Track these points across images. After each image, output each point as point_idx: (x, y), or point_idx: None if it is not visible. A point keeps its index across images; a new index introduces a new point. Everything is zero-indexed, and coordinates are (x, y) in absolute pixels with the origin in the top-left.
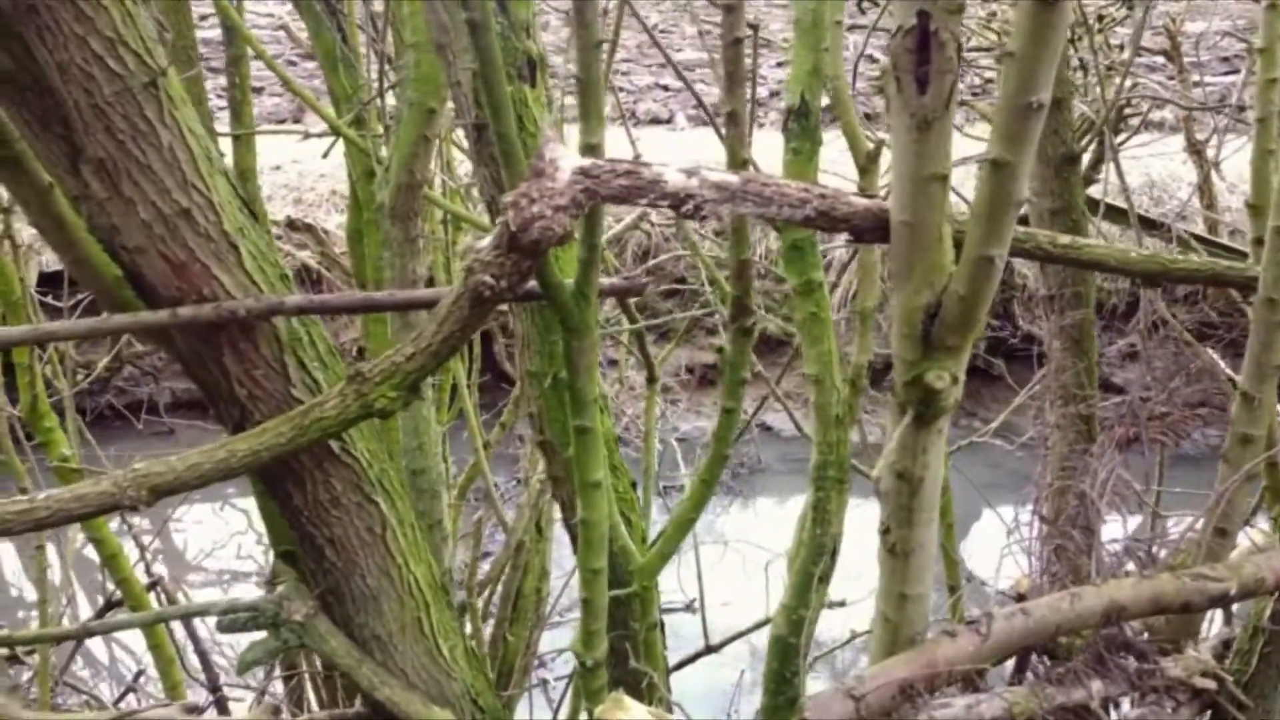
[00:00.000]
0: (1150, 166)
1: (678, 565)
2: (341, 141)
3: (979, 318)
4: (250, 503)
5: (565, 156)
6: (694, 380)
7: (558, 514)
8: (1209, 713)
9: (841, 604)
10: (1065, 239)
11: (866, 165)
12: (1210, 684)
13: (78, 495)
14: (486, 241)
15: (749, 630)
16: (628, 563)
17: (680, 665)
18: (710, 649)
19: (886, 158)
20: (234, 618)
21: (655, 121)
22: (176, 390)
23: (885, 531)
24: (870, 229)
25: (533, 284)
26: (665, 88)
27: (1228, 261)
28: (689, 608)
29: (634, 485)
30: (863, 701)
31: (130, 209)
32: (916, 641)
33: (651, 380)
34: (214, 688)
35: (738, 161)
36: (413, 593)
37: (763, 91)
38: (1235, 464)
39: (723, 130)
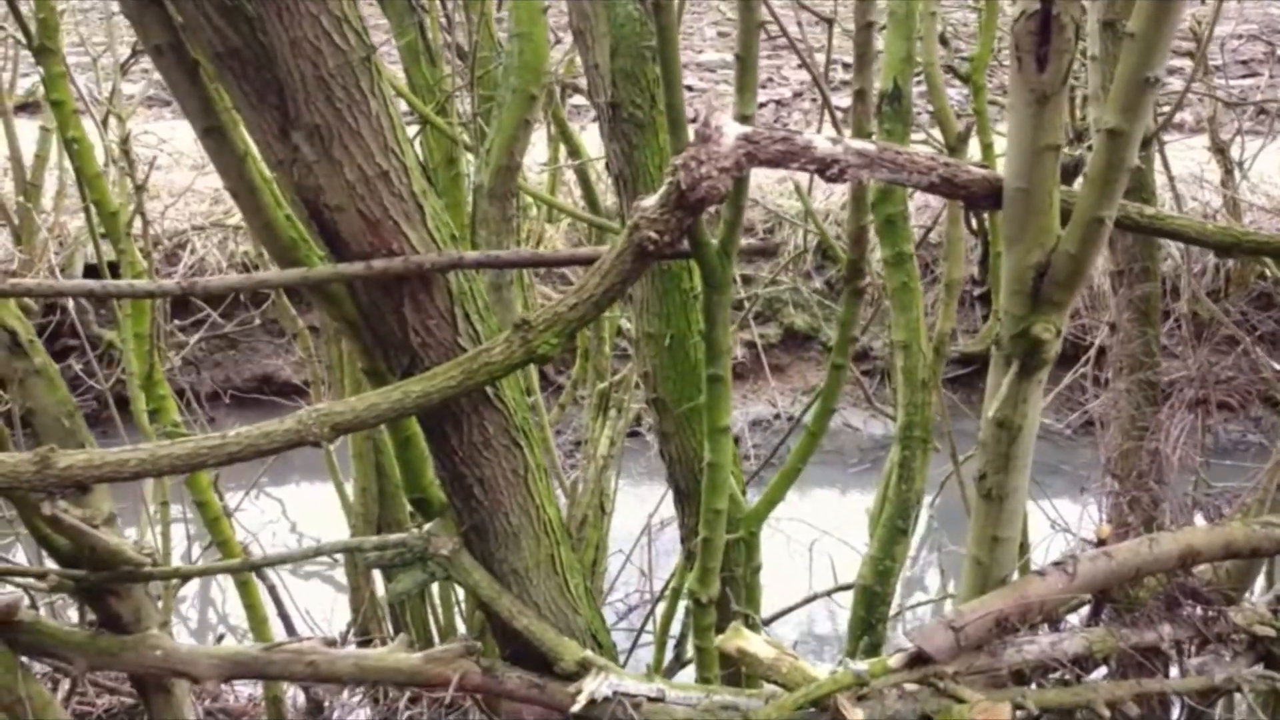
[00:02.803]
0: (1173, 166)
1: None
2: (419, 130)
3: (1086, 274)
4: (285, 491)
5: (729, 125)
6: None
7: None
8: (1262, 663)
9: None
10: (1150, 210)
11: (956, 145)
12: (1270, 631)
13: (265, 432)
14: (652, 201)
15: (794, 608)
16: (736, 510)
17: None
18: (764, 622)
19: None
20: (384, 554)
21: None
22: (216, 379)
23: (982, 477)
24: (985, 196)
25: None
26: (689, 88)
27: None
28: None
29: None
30: (962, 632)
31: (337, 170)
32: (1006, 582)
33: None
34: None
35: (864, 133)
36: (548, 531)
37: (785, 92)
38: None
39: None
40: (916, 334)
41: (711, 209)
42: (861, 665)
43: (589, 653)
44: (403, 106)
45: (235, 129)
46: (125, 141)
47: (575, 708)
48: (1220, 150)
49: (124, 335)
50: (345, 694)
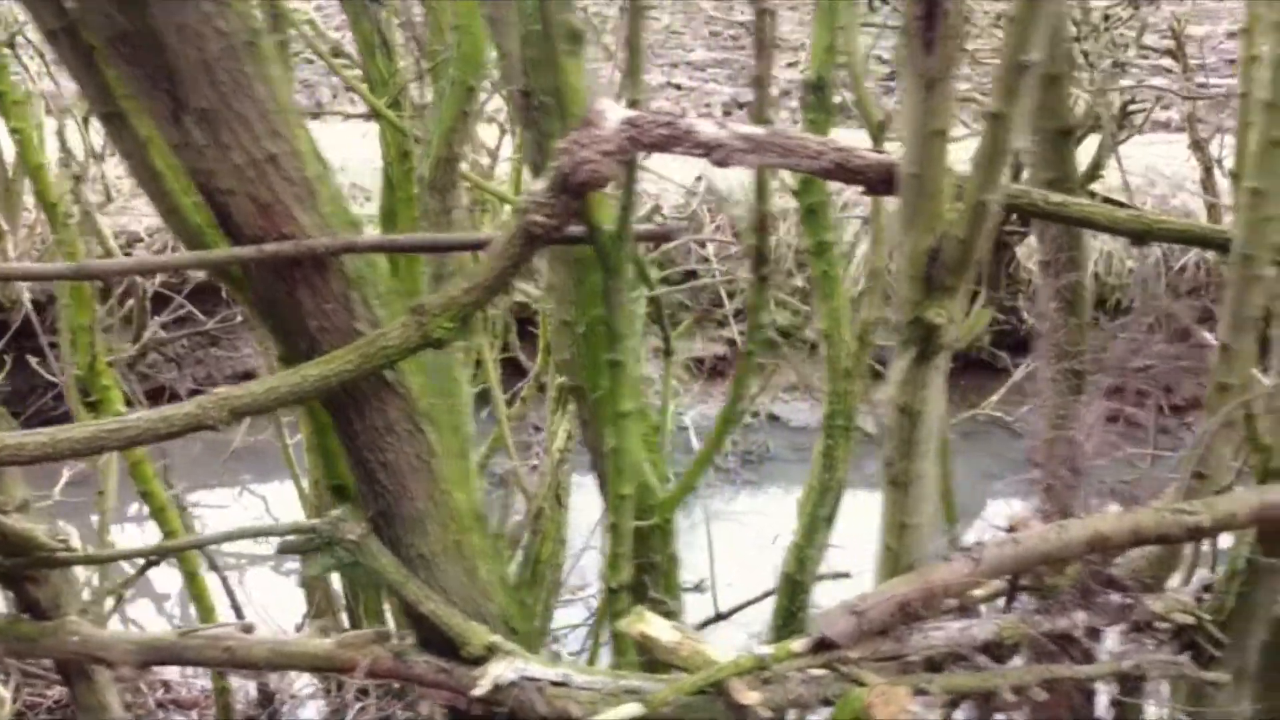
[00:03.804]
0: (1156, 165)
1: (691, 549)
2: (376, 126)
3: (974, 259)
4: (269, 488)
5: (612, 109)
6: (704, 370)
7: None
8: (1189, 652)
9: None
10: (1057, 197)
11: (876, 133)
12: (1189, 619)
13: (164, 416)
14: (539, 184)
15: (757, 600)
16: (650, 498)
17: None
18: (720, 616)
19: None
20: (294, 539)
21: None
22: (198, 376)
23: (889, 464)
24: (881, 181)
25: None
26: (678, 86)
27: (1206, 224)
28: (698, 588)
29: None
30: (864, 617)
31: (225, 154)
32: (915, 568)
33: (668, 353)
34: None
35: (763, 120)
36: (455, 517)
37: (773, 91)
38: (1213, 411)
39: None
40: (839, 323)
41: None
42: (765, 649)
43: (496, 638)
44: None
45: (138, 115)
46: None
47: (478, 692)
48: (1199, 147)
49: (62, 327)
50: (295, 685)
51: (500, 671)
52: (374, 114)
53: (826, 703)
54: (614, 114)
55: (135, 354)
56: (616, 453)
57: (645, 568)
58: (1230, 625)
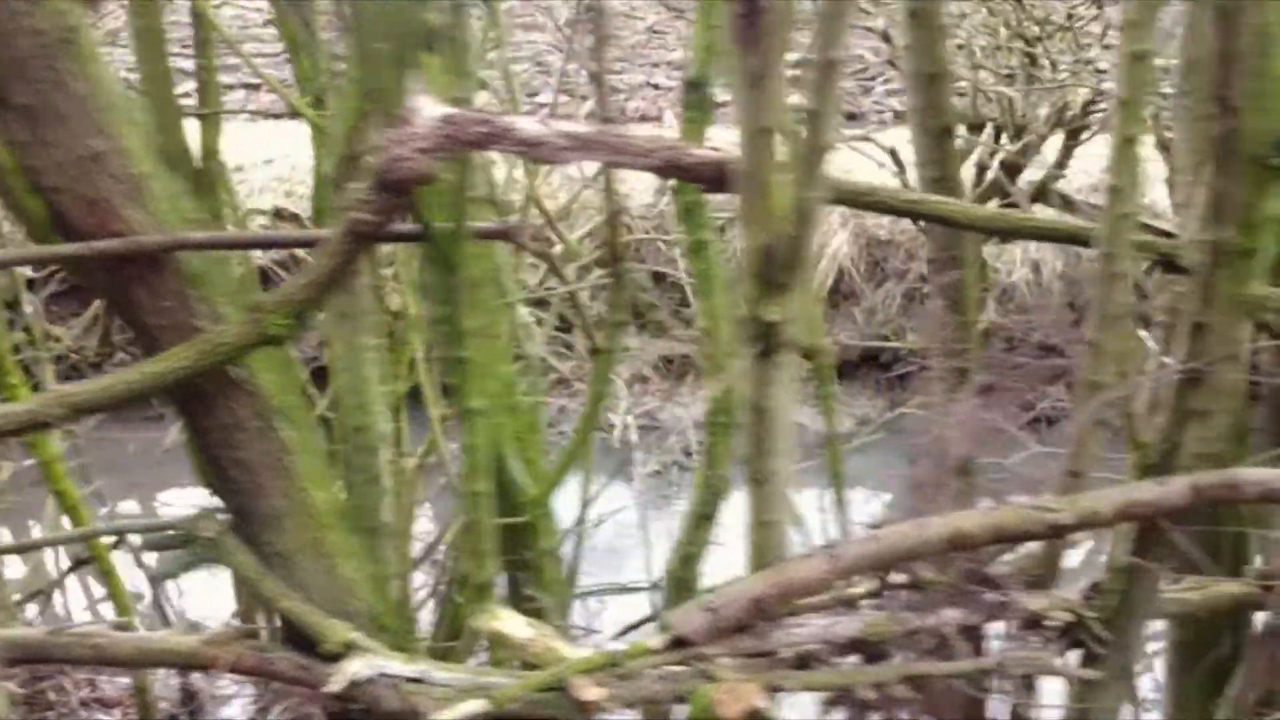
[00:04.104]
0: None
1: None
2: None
3: (805, 258)
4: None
5: (429, 107)
6: (673, 370)
7: None
8: (1082, 650)
9: None
10: (911, 195)
11: None
12: (1068, 617)
13: (2, 413)
14: (361, 182)
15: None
16: (519, 495)
17: (628, 630)
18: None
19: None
20: (155, 536)
21: (644, 119)
22: None
23: (746, 462)
24: (715, 179)
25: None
26: (656, 86)
27: (1073, 222)
28: (654, 587)
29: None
30: (718, 613)
31: (49, 151)
32: (775, 564)
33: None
34: None
35: (603, 118)
36: (313, 515)
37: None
38: (1083, 408)
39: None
40: (718, 321)
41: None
42: (618, 646)
43: (355, 635)
44: None
45: None
46: None
47: (331, 688)
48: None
49: None
50: (217, 684)
51: (356, 668)
52: (294, 111)
53: (681, 699)
54: (429, 111)
55: (98, 356)
56: (467, 450)
57: (518, 565)
58: (1113, 624)
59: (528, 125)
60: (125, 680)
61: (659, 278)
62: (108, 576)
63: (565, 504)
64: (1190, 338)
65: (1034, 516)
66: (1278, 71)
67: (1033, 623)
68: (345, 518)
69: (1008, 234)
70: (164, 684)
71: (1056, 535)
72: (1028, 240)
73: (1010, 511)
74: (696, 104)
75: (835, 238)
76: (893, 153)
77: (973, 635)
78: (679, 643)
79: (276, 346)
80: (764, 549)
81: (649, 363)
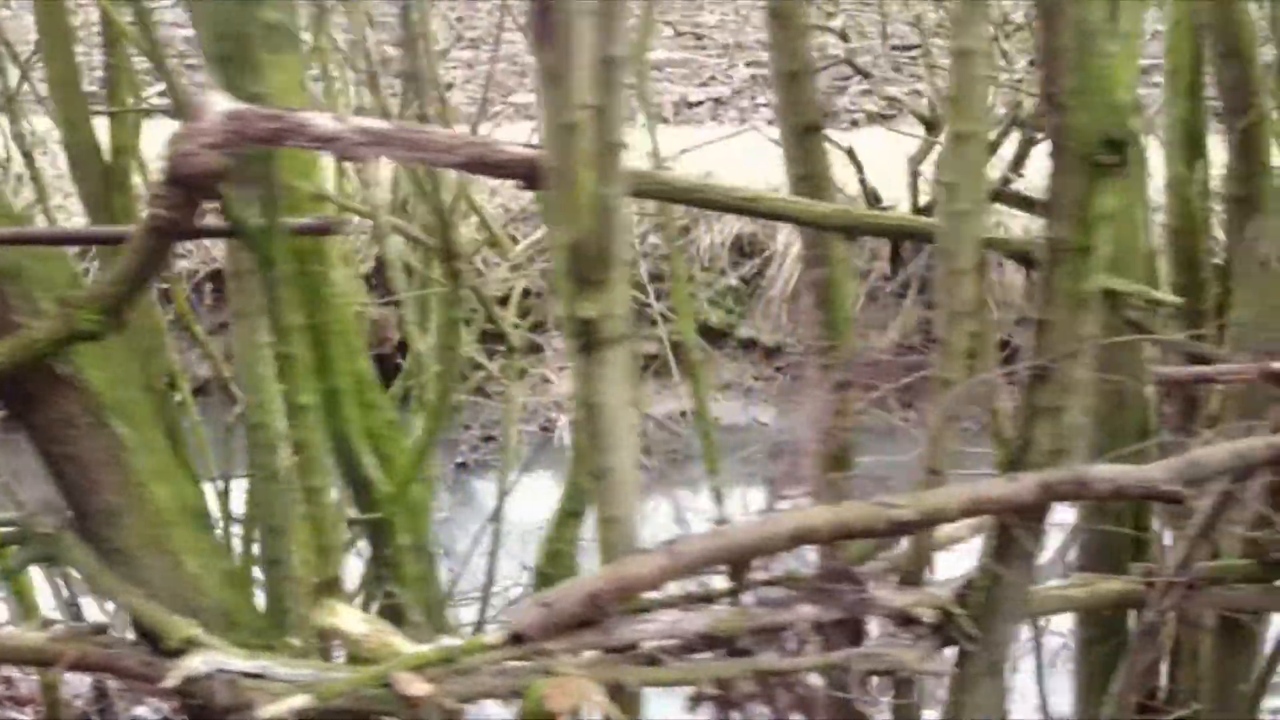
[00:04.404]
0: None
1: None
2: None
3: (614, 253)
4: None
5: (218, 103)
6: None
7: None
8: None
9: None
10: (746, 191)
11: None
12: (927, 614)
13: None
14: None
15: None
16: (374, 493)
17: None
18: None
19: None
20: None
21: None
22: None
23: (585, 458)
24: (526, 175)
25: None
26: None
27: (917, 218)
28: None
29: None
30: (553, 608)
31: None
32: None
33: (510, 349)
34: None
35: (412, 115)
36: (154, 511)
37: (725, 90)
38: (935, 406)
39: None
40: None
41: None
42: (455, 642)
43: (196, 631)
44: None
45: None
46: None
47: (167, 683)
48: None
49: None
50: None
51: (194, 664)
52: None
53: (518, 694)
54: (218, 107)
55: None
56: (300, 446)
57: (381, 562)
58: (981, 620)
59: (321, 121)
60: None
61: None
62: (8, 574)
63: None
64: (1036, 334)
65: (878, 513)
66: (1101, 68)
67: (907, 620)
68: (193, 514)
69: (854, 231)
70: (81, 681)
71: (901, 532)
72: (871, 236)
73: (855, 508)
74: None
75: (795, 238)
76: (850, 152)
77: (853, 633)
78: (517, 638)
79: (92, 341)
80: (610, 545)
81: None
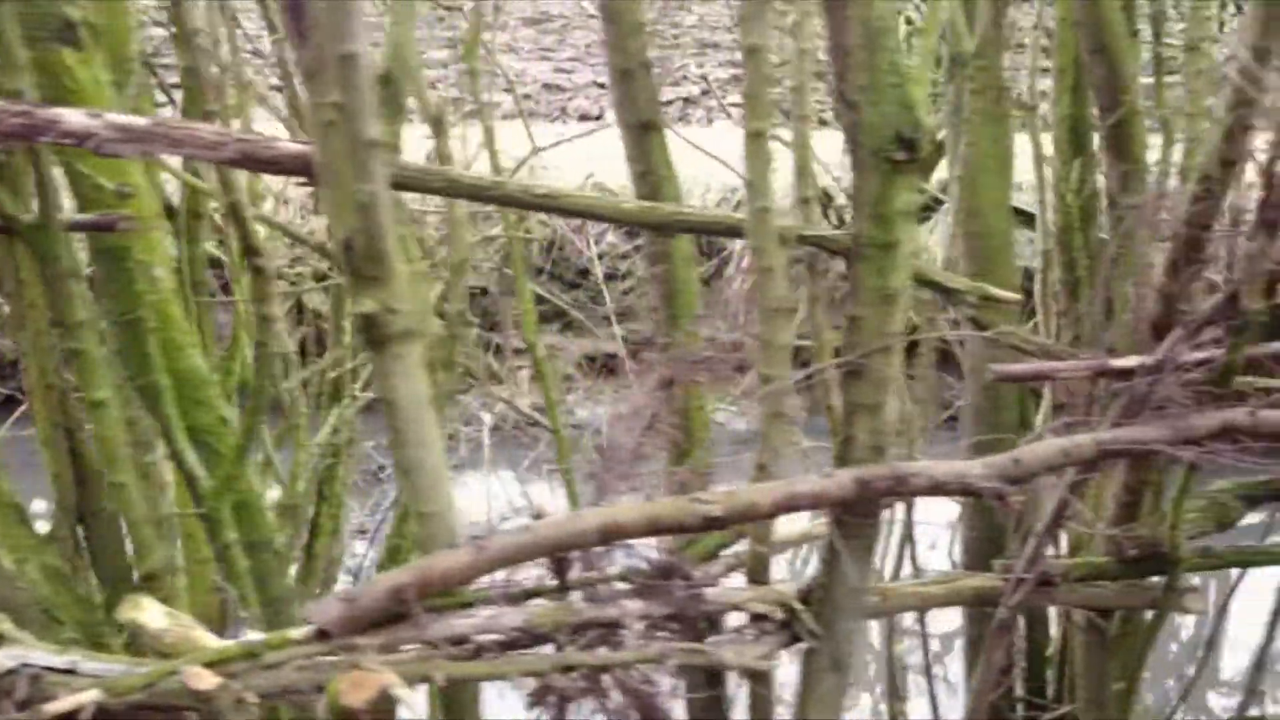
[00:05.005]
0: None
1: None
2: None
3: (385, 249)
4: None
5: None
6: (596, 368)
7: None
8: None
9: None
10: (543, 188)
11: (434, 122)
12: (762, 609)
13: None
14: None
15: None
16: (197, 487)
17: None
18: None
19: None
20: None
21: (584, 118)
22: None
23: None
24: (300, 171)
25: None
26: (601, 85)
27: (730, 215)
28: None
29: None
30: (355, 604)
31: None
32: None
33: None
34: None
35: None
36: None
37: (696, 89)
38: (763, 403)
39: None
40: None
41: None
42: (258, 637)
43: (5, 625)
44: None
45: None
46: None
47: None
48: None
49: None
50: None
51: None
52: None
53: (321, 689)
54: None
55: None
56: (99, 441)
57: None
58: (821, 617)
59: (74, 117)
60: None
61: (583, 274)
62: None
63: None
64: (848, 331)
65: (688, 509)
66: (890, 66)
67: (758, 617)
68: (9, 509)
69: (662, 228)
70: None
71: (712, 527)
72: (685, 233)
73: (665, 504)
74: (385, 101)
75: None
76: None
77: (693, 629)
78: (323, 634)
79: None
80: (426, 540)
81: (571, 361)
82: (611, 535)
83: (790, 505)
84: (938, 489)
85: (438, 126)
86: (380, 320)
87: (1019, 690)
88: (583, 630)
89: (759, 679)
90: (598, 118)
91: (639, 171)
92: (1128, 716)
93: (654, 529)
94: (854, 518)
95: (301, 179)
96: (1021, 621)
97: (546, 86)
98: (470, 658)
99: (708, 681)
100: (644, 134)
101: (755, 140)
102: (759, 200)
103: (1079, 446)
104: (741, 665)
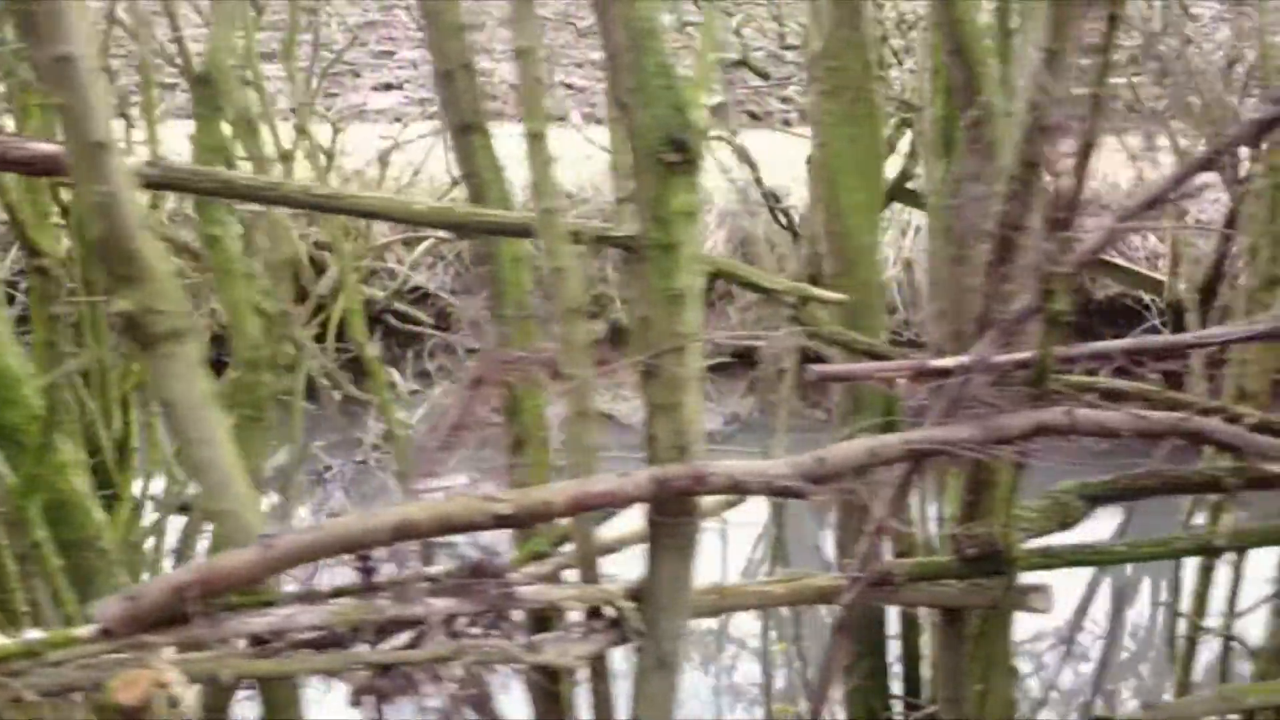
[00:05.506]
0: None
1: None
2: None
3: (135, 249)
4: None
5: None
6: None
7: None
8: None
9: None
10: (323, 189)
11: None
12: (580, 607)
13: None
14: None
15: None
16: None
17: None
18: None
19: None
20: None
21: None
22: None
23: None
24: (51, 170)
25: None
26: (569, 86)
27: (518, 215)
28: None
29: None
30: (138, 602)
31: None
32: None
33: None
34: None
35: None
36: None
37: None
38: (566, 402)
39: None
40: (242, 316)
41: None
42: (38, 635)
43: None
44: None
45: None
46: None
47: None
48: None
49: None
50: None
51: None
52: None
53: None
54: None
55: None
56: None
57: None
58: (646, 615)
59: None
60: None
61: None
62: None
63: None
64: (640, 331)
65: (480, 507)
66: (657, 67)
67: (593, 614)
68: None
69: (458, 229)
70: None
71: (504, 525)
72: (480, 234)
73: (457, 502)
74: (203, 100)
75: (711, 237)
76: (741, 151)
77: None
78: (106, 633)
79: None
80: (223, 538)
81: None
82: (404, 534)
83: (585, 504)
84: (739, 488)
85: (246, 128)
86: (142, 320)
87: (896, 689)
88: (391, 629)
89: (599, 676)
90: (562, 119)
91: (464, 173)
92: (986, 715)
93: (446, 528)
94: (666, 517)
95: (57, 179)
96: (899, 622)
97: (515, 88)
98: (264, 656)
99: (547, 680)
100: (465, 135)
101: (534, 142)
102: (544, 201)
103: (886, 446)
104: (547, 662)
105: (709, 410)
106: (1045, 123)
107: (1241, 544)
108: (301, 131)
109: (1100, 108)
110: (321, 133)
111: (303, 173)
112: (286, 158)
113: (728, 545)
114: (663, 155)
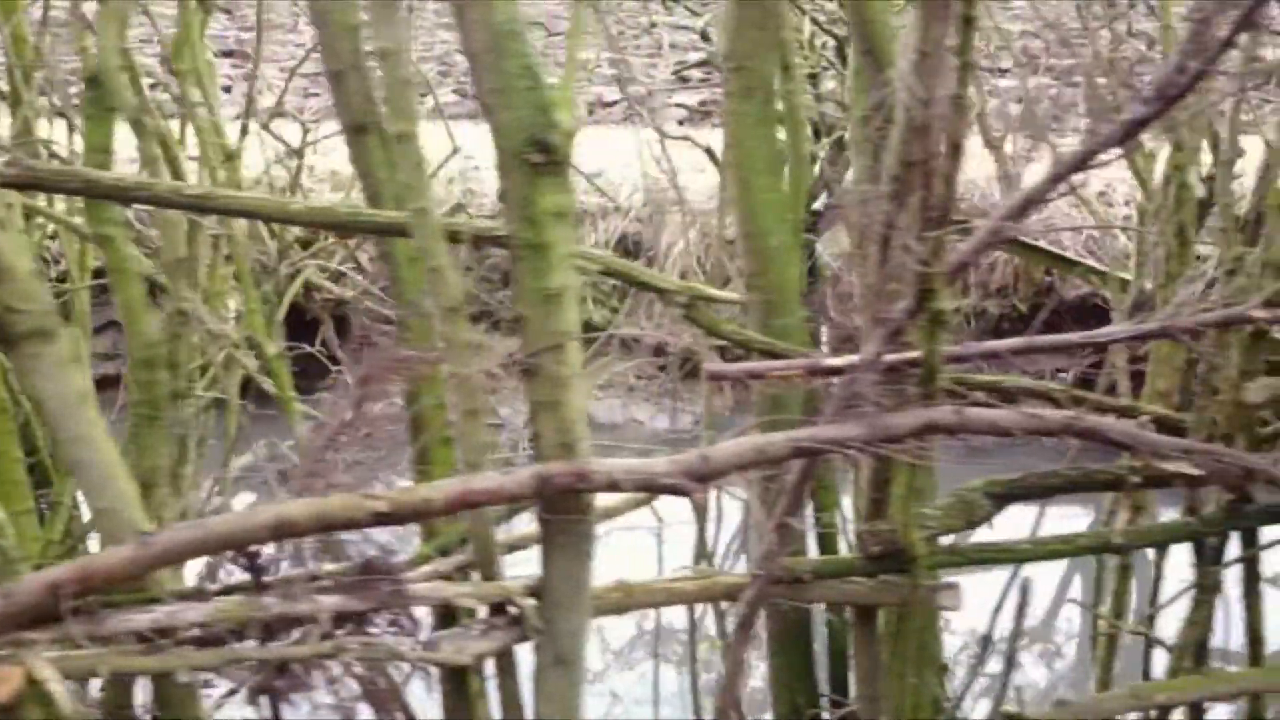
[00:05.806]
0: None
1: None
2: None
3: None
4: None
5: None
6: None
7: None
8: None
9: None
10: (197, 189)
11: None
12: (473, 604)
13: None
14: None
15: None
16: None
17: None
18: None
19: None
20: None
21: None
22: None
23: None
24: None
25: None
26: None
27: (394, 215)
28: None
29: None
30: (11, 599)
31: None
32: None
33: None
34: None
35: None
36: None
37: (642, 90)
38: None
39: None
40: (136, 315)
41: None
42: None
43: None
44: None
45: None
46: None
47: None
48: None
49: None
50: None
51: None
52: None
53: None
54: None
55: None
56: None
57: None
58: (544, 613)
59: None
60: None
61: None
62: None
63: None
64: (519, 331)
65: (358, 505)
66: (520, 68)
67: (497, 610)
68: None
69: (343, 228)
70: None
71: (383, 523)
72: (364, 234)
73: (335, 500)
74: (92, 102)
75: (681, 238)
76: (708, 151)
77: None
78: None
79: None
80: (106, 535)
81: (496, 360)
82: (283, 532)
83: (466, 502)
84: (617, 485)
85: (138, 128)
86: (3, 319)
87: (823, 688)
88: (281, 627)
89: (505, 673)
90: None
91: (359, 173)
92: (904, 713)
93: (325, 525)
94: (558, 515)
95: None
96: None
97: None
98: (146, 654)
99: (455, 678)
100: (358, 136)
101: (403, 142)
102: (416, 201)
103: (772, 445)
104: (443, 660)
105: (681, 410)
106: (918, 124)
107: (1141, 542)
108: (245, 132)
109: (963, 109)
110: (290, 133)
111: (255, 174)
112: (231, 158)
113: (663, 546)
114: (527, 156)
